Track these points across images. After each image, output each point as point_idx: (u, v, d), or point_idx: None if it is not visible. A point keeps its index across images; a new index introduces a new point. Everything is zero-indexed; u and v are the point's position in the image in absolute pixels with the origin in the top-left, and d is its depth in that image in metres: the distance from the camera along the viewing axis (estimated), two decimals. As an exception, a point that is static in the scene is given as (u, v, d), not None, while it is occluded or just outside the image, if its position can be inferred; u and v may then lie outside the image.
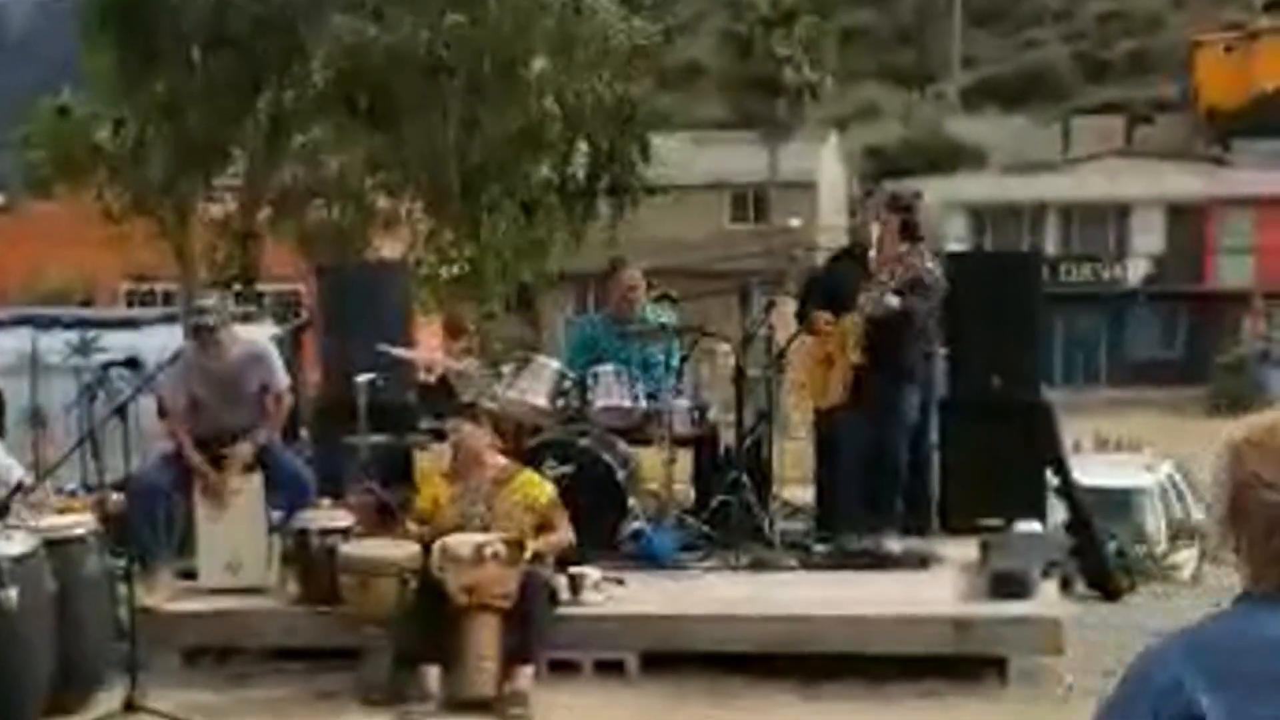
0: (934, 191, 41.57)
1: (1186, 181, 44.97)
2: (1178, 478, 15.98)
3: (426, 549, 6.74)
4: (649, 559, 7.76)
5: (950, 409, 8.62)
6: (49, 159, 33.21)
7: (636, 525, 7.91)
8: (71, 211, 34.25)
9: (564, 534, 7.03)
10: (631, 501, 7.89)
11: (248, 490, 7.57)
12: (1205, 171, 46.03)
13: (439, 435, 8.17)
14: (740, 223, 45.50)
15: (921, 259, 7.85)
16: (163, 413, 8.23)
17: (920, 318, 7.99)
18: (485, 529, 6.82)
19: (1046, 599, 7.12)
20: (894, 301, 7.78)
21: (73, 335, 14.08)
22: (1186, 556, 11.03)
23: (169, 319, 16.08)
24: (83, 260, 32.90)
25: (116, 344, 14.02)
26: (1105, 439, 20.03)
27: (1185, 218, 44.87)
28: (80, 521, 6.74)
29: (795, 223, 40.39)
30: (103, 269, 32.97)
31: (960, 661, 6.84)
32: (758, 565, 7.74)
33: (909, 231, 7.94)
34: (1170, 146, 50.50)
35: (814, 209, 43.58)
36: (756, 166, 43.36)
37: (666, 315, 9.02)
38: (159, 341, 13.82)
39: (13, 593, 6.11)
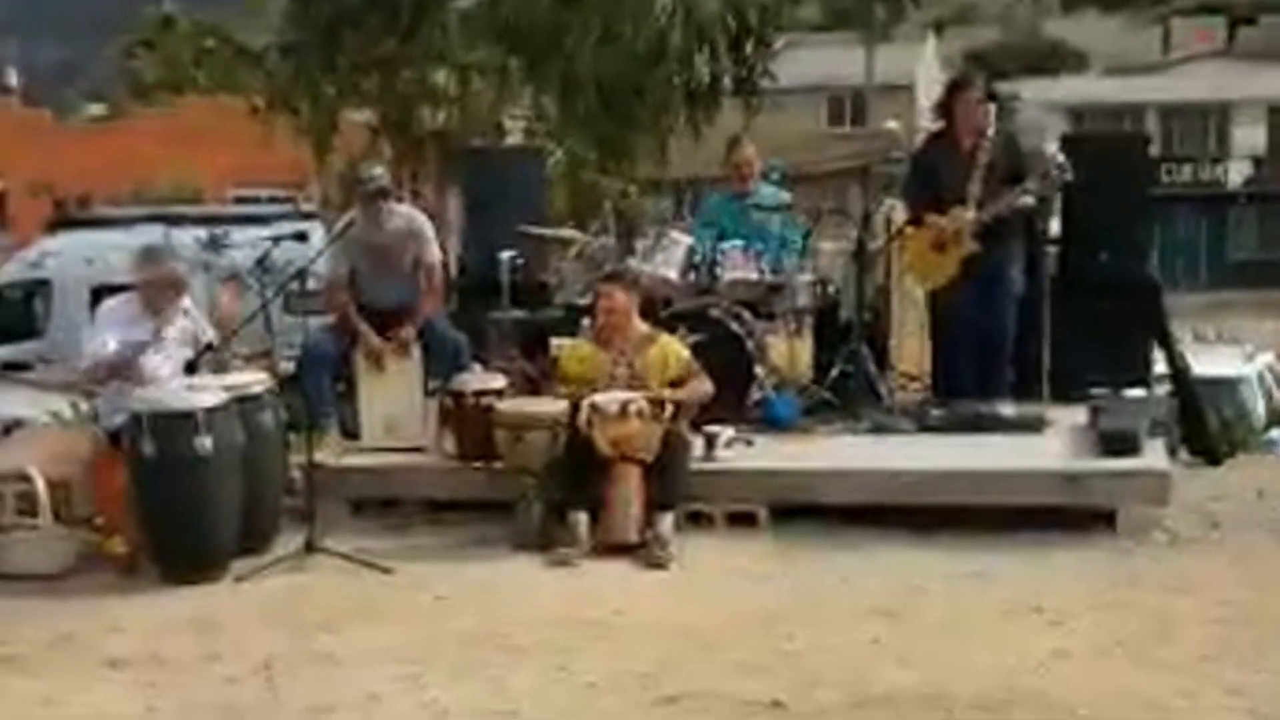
0: (1034, 93, 41.59)
1: (1290, 82, 44.46)
2: (1277, 368, 16.27)
3: (575, 406, 7.33)
4: (774, 423, 8.28)
5: (1061, 284, 9.07)
6: (158, 65, 33.94)
7: (762, 393, 8.44)
8: (176, 119, 35.19)
9: (704, 384, 7.58)
10: (758, 369, 8.40)
11: (407, 360, 8.16)
12: (1309, 73, 45.45)
13: (576, 313, 8.70)
14: (837, 125, 45.63)
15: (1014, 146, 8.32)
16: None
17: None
18: (628, 388, 7.39)
19: (1154, 455, 7.58)
20: (1029, 200, 8.33)
21: (202, 232, 14.70)
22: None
23: (293, 216, 16.72)
24: (188, 166, 33.81)
25: (246, 240, 14.70)
26: (1203, 334, 20.25)
27: (1288, 119, 44.45)
28: (259, 379, 7.39)
29: (892, 124, 40.44)
30: (208, 175, 33.90)
31: (1069, 515, 7.29)
32: (877, 429, 8.24)
33: (989, 94, 8.47)
34: (1272, 48, 49.78)
35: (911, 112, 43.58)
36: (854, 70, 43.40)
37: (781, 193, 9.50)
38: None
39: (208, 440, 6.78)
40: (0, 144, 39.76)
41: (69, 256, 16.26)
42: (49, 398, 10.64)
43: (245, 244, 14.64)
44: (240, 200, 33.44)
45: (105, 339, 7.30)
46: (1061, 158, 8.32)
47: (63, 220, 19.15)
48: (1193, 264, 44.06)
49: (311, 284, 8.77)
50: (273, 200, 29.17)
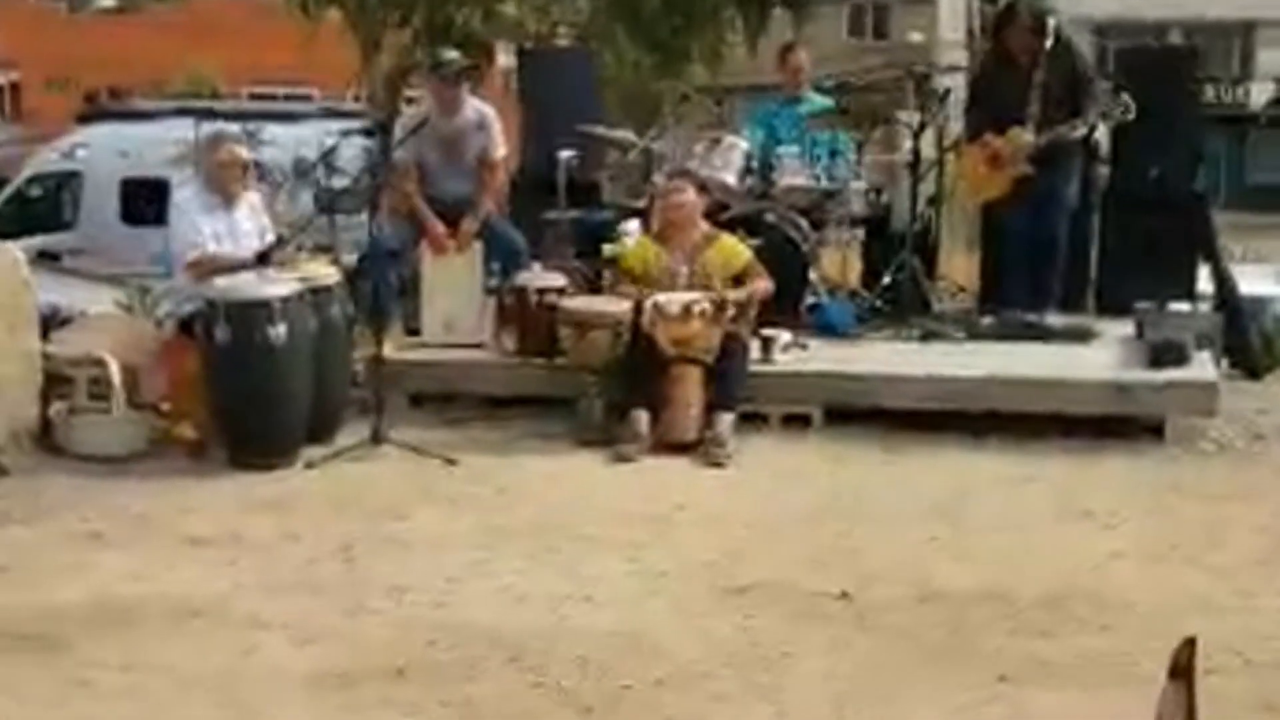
0: (1064, 7, 41.38)
1: (1317, 2, 44.10)
2: (1304, 288, 16.35)
3: (638, 306, 7.46)
4: (827, 328, 8.41)
5: (1111, 199, 9.18)
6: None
7: (814, 299, 8.57)
8: (188, 13, 35.03)
9: (765, 281, 7.73)
10: (812, 275, 8.52)
11: (468, 257, 8.29)
12: (1338, -7, 45.09)
13: (623, 214, 8.80)
14: (857, 37, 45.36)
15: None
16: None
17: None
18: (690, 287, 7.52)
19: (1201, 366, 7.73)
20: (1081, 132, 8.47)
21: (234, 127, 14.72)
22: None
23: (327, 113, 16.72)
24: (202, 62, 33.73)
25: (279, 136, 14.75)
26: (1233, 253, 20.29)
27: (1314, 40, 44.16)
28: (330, 272, 7.52)
29: (916, 37, 40.27)
30: (222, 72, 33.81)
31: (1117, 424, 7.45)
32: (927, 336, 8.38)
33: (1039, 26, 8.53)
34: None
35: (934, 25, 43.34)
36: (877, -20, 43.18)
37: (828, 100, 9.59)
38: (317, 135, 14.50)
39: (281, 329, 6.92)
40: (15, 36, 39.68)
41: (100, 149, 16.32)
42: (93, 286, 10.79)
43: (286, 140, 14.71)
44: (255, 97, 33.38)
45: (200, 229, 7.40)
46: (1126, 97, 8.38)
47: (94, 113, 19.16)
48: (1212, 185, 43.92)
49: (343, 182, 8.86)
50: (289, 98, 29.06)
